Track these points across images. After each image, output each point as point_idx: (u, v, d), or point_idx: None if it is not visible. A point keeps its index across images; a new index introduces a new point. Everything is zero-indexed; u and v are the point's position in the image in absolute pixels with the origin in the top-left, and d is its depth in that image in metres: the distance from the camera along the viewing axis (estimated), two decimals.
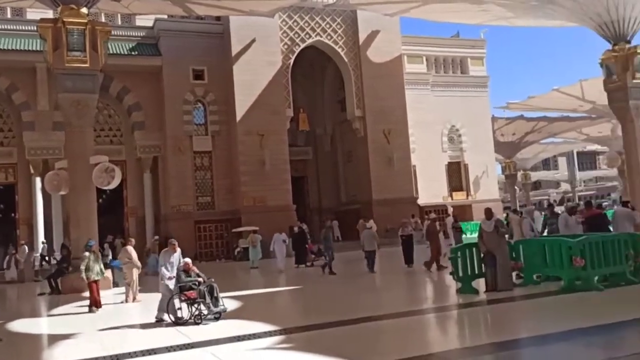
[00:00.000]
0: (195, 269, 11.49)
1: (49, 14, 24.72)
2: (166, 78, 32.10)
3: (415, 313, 10.95)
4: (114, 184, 20.11)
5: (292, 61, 33.55)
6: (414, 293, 14.97)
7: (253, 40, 32.32)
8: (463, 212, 36.04)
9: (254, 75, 32.12)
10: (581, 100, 42.05)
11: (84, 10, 19.87)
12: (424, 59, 40.32)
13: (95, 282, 13.96)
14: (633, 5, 24.76)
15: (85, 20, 19.64)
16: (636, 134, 26.73)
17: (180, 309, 11.04)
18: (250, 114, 31.87)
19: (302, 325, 10.09)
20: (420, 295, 14.75)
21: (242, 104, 31.97)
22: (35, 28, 21.61)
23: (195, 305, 10.85)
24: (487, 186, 41.30)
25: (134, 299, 15.17)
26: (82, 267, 13.95)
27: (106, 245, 23.03)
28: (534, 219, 18.83)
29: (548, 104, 45.10)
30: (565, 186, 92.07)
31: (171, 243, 11.93)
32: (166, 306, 11.15)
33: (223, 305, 11.14)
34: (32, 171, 30.24)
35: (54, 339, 10.79)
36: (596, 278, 11.76)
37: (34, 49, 28.60)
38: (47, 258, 26.86)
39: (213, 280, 11.36)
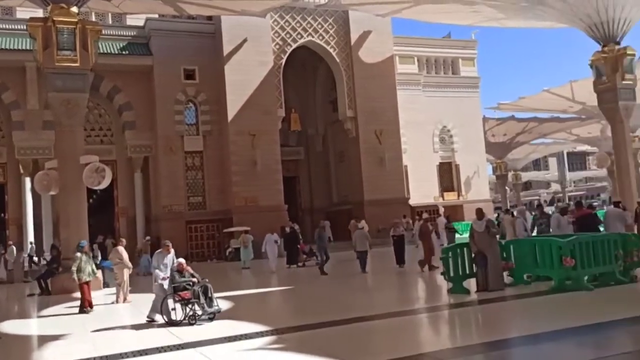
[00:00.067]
0: (189, 269, 11.43)
1: (39, 13, 24.56)
2: (157, 78, 31.99)
3: (407, 313, 10.96)
4: (104, 184, 19.99)
5: (283, 61, 33.53)
6: (405, 293, 14.99)
7: (245, 40, 32.28)
8: (454, 213, 36.16)
9: (245, 75, 32.07)
10: (571, 101, 42.35)
11: (74, 9, 19.76)
12: (416, 59, 40.45)
13: (87, 283, 13.88)
14: (622, 7, 24.96)
15: (76, 20, 19.53)
16: (625, 135, 26.96)
17: (174, 309, 10.98)
18: (241, 114, 31.82)
19: (294, 325, 10.08)
20: (412, 296, 14.77)
21: (233, 104, 31.92)
22: (25, 27, 21.49)
23: (190, 306, 10.79)
24: (478, 186, 41.47)
25: (125, 299, 15.10)
26: (74, 268, 13.85)
27: (95, 246, 22.92)
28: (526, 219, 18.95)
29: (538, 105, 45.39)
30: (555, 186, 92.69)
31: (165, 244, 11.88)
32: (160, 306, 11.09)
33: (217, 305, 11.09)
34: (21, 171, 30.06)
35: (45, 339, 10.73)
36: (586, 278, 11.83)
37: (24, 48, 28.43)
38: (34, 258, 26.68)
39: (207, 280, 11.33)
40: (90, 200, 30.22)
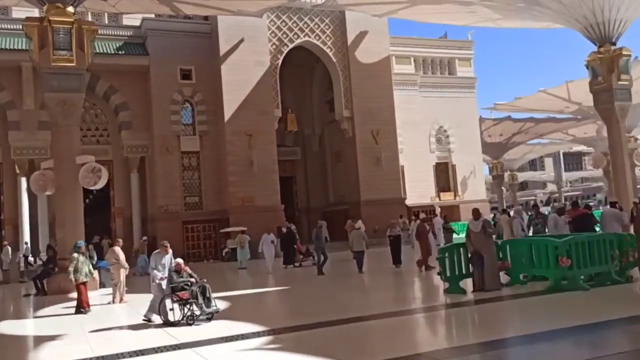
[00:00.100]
0: (187, 269, 11.40)
1: (35, 12, 24.51)
2: (153, 78, 31.95)
3: (403, 313, 10.97)
4: (100, 184, 19.95)
5: (280, 61, 33.52)
6: (402, 293, 15.01)
7: (241, 40, 32.26)
8: (451, 213, 36.20)
9: (242, 75, 32.06)
10: (567, 102, 42.44)
11: (70, 9, 19.72)
12: (412, 59, 40.50)
13: (84, 283, 13.86)
14: (618, 8, 25.03)
15: (72, 19, 19.49)
16: (621, 135, 27.02)
17: (172, 309, 10.96)
18: (238, 114, 31.80)
19: (291, 325, 10.08)
20: (408, 296, 14.79)
21: (230, 104, 31.90)
22: (20, 27, 21.39)
23: (188, 306, 10.76)
24: (474, 187, 41.54)
25: (121, 299, 15.08)
26: (71, 269, 13.83)
27: (90, 247, 22.86)
28: (523, 219, 18.99)
29: (534, 105, 45.48)
30: (551, 187, 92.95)
31: (163, 245, 11.84)
32: (157, 307, 11.07)
33: (215, 305, 11.07)
34: (17, 171, 29.98)
35: (41, 340, 10.70)
36: (582, 278, 11.86)
37: (20, 47, 28.34)
38: (30, 259, 26.61)
39: (205, 280, 11.32)
40: (87, 201, 30.14)
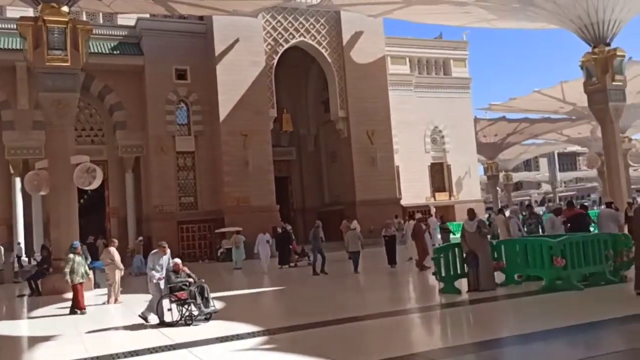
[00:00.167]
0: (185, 269, 11.36)
1: (29, 12, 24.45)
2: (148, 78, 31.89)
3: (399, 313, 10.99)
4: (95, 184, 19.90)
5: (275, 61, 33.51)
6: (397, 293, 15.03)
7: (236, 40, 32.23)
8: (446, 213, 36.25)
9: (237, 75, 32.03)
10: (562, 102, 42.60)
11: (65, 8, 19.65)
12: (407, 60, 40.58)
13: (80, 284, 13.81)
14: (612, 9, 25.15)
15: (66, 19, 19.43)
16: (615, 136, 27.15)
17: (170, 310, 10.92)
18: (233, 114, 31.77)
19: (286, 325, 10.08)
20: (404, 296, 14.81)
21: (225, 104, 31.87)
22: (15, 26, 21.37)
23: (186, 306, 10.73)
24: (469, 187, 41.64)
25: (116, 300, 15.03)
26: (67, 270, 13.77)
27: (84, 247, 22.76)
28: (518, 218, 19.01)
29: (529, 106, 45.64)
30: (546, 187, 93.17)
31: (161, 245, 11.80)
32: (156, 307, 11.03)
33: (214, 306, 11.05)
34: (11, 171, 29.86)
35: (35, 341, 10.66)
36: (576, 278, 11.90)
37: (14, 47, 28.26)
38: (23, 259, 26.51)
39: (203, 280, 11.30)
40: (81, 201, 30.02)
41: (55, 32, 19.09)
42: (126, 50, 32.28)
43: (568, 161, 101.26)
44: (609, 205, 16.89)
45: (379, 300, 13.33)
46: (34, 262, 23.40)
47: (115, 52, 31.98)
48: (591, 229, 14.87)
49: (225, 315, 11.64)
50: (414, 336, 9.44)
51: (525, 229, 17.39)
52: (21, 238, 29.11)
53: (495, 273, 12.73)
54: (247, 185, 31.58)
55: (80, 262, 14.08)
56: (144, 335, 10.18)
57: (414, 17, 32.12)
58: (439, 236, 24.67)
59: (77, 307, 13.57)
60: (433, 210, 34.89)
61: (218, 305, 12.50)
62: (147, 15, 32.24)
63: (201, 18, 33.26)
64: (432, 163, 40.83)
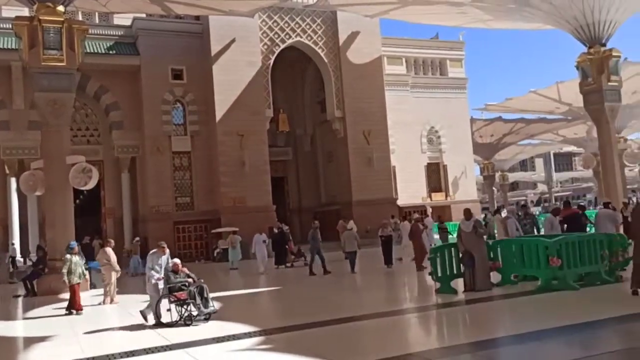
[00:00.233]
0: (185, 269, 11.32)
1: (25, 11, 24.36)
2: (144, 78, 31.82)
3: (395, 313, 11.00)
4: (91, 185, 19.86)
5: (272, 61, 33.50)
6: (393, 293, 15.04)
7: (233, 40, 32.21)
8: (442, 213, 36.20)
9: (233, 75, 32.00)
10: (558, 102, 42.69)
11: (61, 8, 19.61)
12: (404, 60, 40.59)
13: (77, 284, 13.78)
14: (608, 9, 25.22)
15: (62, 19, 19.39)
16: (611, 136, 27.24)
17: (169, 310, 10.89)
18: (229, 115, 31.75)
19: (283, 326, 10.08)
20: (400, 296, 14.83)
21: (221, 104, 31.84)
22: (10, 26, 21.27)
23: (185, 307, 10.70)
24: (465, 187, 41.69)
25: (112, 300, 15.01)
26: (64, 270, 13.74)
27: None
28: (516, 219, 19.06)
29: (525, 106, 45.72)
30: (542, 187, 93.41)
31: (160, 245, 11.78)
32: (155, 307, 11.02)
33: (213, 306, 11.02)
34: (7, 171, 29.77)
35: (31, 341, 10.63)
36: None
37: (10, 47, 28.17)
38: (16, 259, 26.41)
39: (203, 281, 11.27)
40: (77, 201, 29.93)
41: (50, 31, 19.06)
42: (122, 50, 32.20)
43: (564, 161, 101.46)
44: (606, 205, 16.95)
45: (376, 300, 13.33)
46: (29, 263, 23.31)
47: (111, 52, 31.91)
48: (587, 228, 14.90)
49: (222, 316, 11.62)
50: (411, 336, 9.45)
51: (521, 229, 17.44)
52: (17, 238, 29.03)
53: (492, 273, 12.76)
54: (243, 186, 31.56)
55: (77, 263, 14.06)
56: (141, 336, 10.16)
57: (410, 18, 32.15)
58: (436, 236, 24.70)
59: (74, 307, 13.55)
60: (429, 211, 34.95)
61: (215, 305, 12.50)
62: (143, 15, 32.18)
63: (197, 18, 33.21)
64: (428, 163, 40.86)
